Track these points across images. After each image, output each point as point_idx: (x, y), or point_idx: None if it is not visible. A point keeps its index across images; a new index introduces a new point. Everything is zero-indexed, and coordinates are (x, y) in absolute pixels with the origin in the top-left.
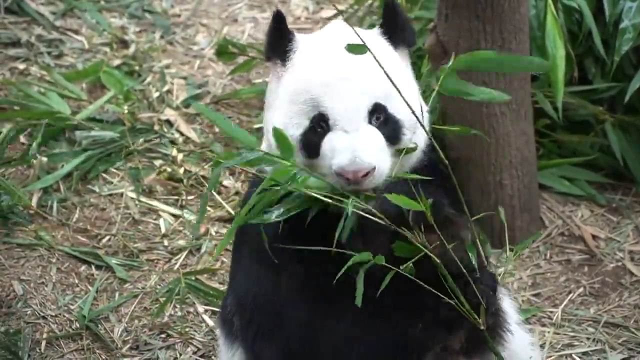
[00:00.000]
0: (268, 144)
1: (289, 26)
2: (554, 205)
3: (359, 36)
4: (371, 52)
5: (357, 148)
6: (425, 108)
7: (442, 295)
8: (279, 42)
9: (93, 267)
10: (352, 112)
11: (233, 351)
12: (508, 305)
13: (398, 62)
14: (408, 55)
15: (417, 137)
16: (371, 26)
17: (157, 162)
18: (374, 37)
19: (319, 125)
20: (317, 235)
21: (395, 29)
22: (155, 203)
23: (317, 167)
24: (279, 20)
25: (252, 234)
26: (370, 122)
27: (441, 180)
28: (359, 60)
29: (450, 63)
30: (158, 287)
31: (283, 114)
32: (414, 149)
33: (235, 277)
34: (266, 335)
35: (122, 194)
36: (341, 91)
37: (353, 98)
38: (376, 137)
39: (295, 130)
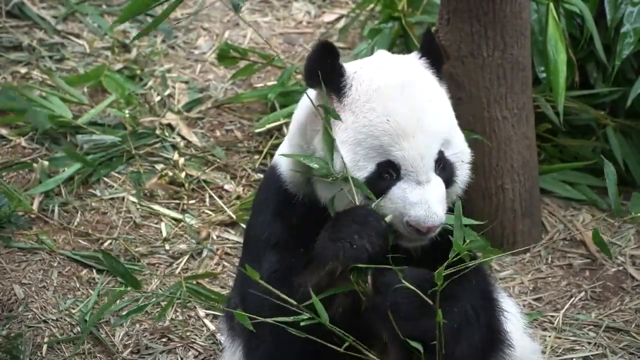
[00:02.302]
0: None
1: (290, 30)
2: (556, 209)
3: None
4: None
5: (432, 202)
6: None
7: None
8: (330, 75)
9: (94, 271)
10: (424, 163)
11: (235, 347)
12: (513, 310)
13: (446, 99)
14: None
15: (465, 173)
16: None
17: (159, 166)
18: (425, 72)
19: (387, 172)
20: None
21: (437, 58)
22: (156, 207)
23: (376, 208)
24: (330, 51)
25: (256, 228)
26: (435, 171)
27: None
28: (425, 106)
29: None
30: (159, 291)
31: (347, 154)
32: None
33: (239, 273)
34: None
35: (123, 198)
36: (412, 142)
37: (425, 148)
38: (441, 187)
39: (359, 173)
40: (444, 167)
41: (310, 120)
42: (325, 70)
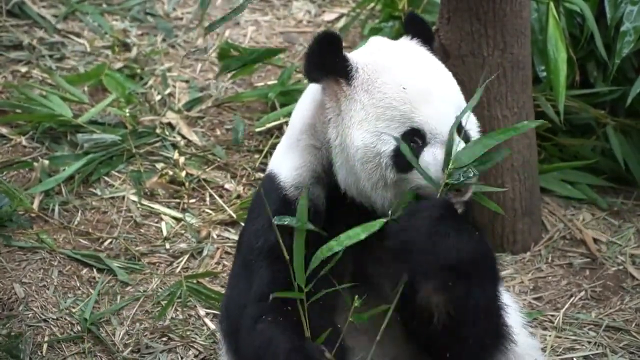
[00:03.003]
0: (344, 161)
1: (290, 29)
2: (556, 208)
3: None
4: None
5: (466, 162)
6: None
7: None
8: (335, 61)
9: (94, 270)
10: (449, 124)
11: (225, 349)
12: (512, 308)
13: (450, 73)
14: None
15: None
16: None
17: (159, 165)
18: (420, 47)
19: (412, 140)
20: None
21: (429, 38)
22: (156, 206)
23: (409, 181)
24: (333, 40)
25: (249, 236)
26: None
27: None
28: (433, 72)
29: None
30: (159, 290)
31: (371, 132)
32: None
33: (228, 281)
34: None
35: (123, 197)
36: (432, 106)
37: (447, 112)
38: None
39: (385, 146)
40: (464, 135)
41: (319, 114)
42: (331, 58)
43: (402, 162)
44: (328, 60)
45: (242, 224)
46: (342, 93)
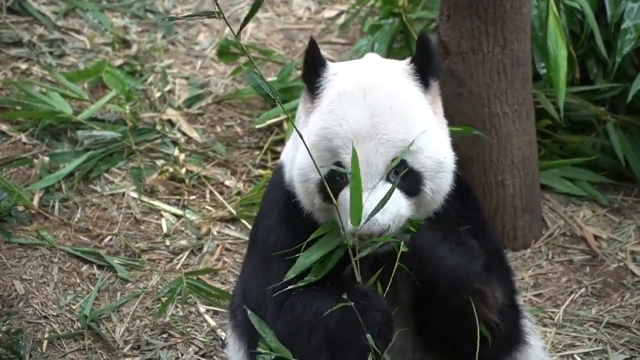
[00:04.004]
0: (294, 178)
1: (291, 26)
2: (556, 205)
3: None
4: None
5: (369, 211)
6: (451, 152)
7: None
8: (310, 72)
9: (95, 266)
10: (371, 170)
11: (239, 345)
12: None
13: (424, 107)
14: (438, 87)
15: (440, 183)
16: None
17: (159, 162)
18: (404, 80)
19: (339, 175)
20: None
21: (428, 65)
22: (157, 203)
23: (332, 212)
24: (310, 50)
25: (263, 230)
26: (388, 179)
27: (469, 221)
28: (385, 114)
29: None
30: (160, 287)
31: (305, 156)
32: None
33: (244, 269)
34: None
35: (123, 194)
36: (362, 147)
37: (374, 155)
38: (392, 196)
39: (314, 174)
40: (404, 176)
41: (298, 121)
42: (307, 69)
43: (326, 193)
44: (307, 70)
45: (243, 221)
46: (306, 108)
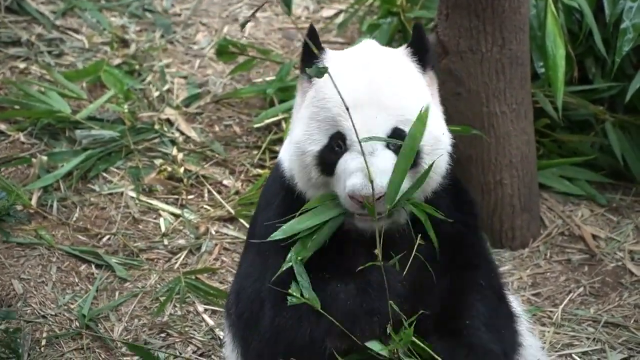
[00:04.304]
0: (289, 155)
1: (289, 25)
2: (554, 204)
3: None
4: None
5: (370, 172)
6: (447, 133)
7: None
8: (308, 57)
9: (93, 266)
10: (370, 134)
11: (232, 346)
12: (518, 308)
13: (422, 85)
14: (435, 76)
15: (437, 161)
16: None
17: (157, 162)
18: (402, 58)
19: (337, 144)
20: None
21: (423, 51)
22: (155, 202)
23: (331, 186)
24: (310, 35)
25: (261, 225)
26: (388, 147)
27: (463, 206)
28: (383, 82)
29: None
30: (158, 286)
31: (303, 129)
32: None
33: (239, 267)
34: (249, 328)
35: (122, 193)
36: (360, 113)
37: (373, 120)
38: (389, 161)
39: (313, 147)
40: (399, 145)
41: (296, 108)
42: (305, 51)
43: (325, 164)
44: (305, 56)
45: (241, 220)
46: (303, 89)
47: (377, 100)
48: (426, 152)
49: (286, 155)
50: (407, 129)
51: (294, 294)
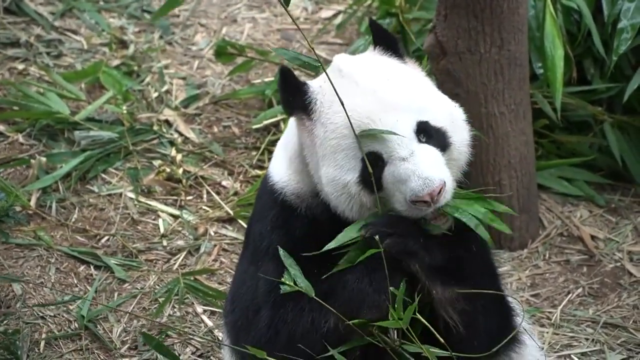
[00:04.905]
0: (325, 192)
1: (288, 26)
2: (553, 205)
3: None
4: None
5: (422, 170)
6: (455, 104)
7: None
8: (294, 97)
9: (92, 267)
10: (401, 139)
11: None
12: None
13: (414, 72)
14: (413, 59)
15: (460, 133)
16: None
17: (156, 162)
18: (381, 58)
19: (374, 163)
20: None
21: (392, 44)
22: (154, 203)
23: (384, 202)
24: (286, 75)
25: (255, 236)
26: (420, 141)
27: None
28: (385, 87)
29: None
30: (157, 287)
31: (332, 166)
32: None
33: (235, 275)
34: (245, 334)
35: (121, 194)
36: (381, 124)
37: (395, 125)
38: (431, 153)
39: (350, 175)
40: (430, 135)
41: (306, 147)
42: (290, 94)
43: (371, 184)
44: (289, 97)
45: (240, 221)
46: (306, 129)
47: (389, 105)
48: (449, 130)
49: (281, 169)
50: (427, 117)
51: (287, 282)
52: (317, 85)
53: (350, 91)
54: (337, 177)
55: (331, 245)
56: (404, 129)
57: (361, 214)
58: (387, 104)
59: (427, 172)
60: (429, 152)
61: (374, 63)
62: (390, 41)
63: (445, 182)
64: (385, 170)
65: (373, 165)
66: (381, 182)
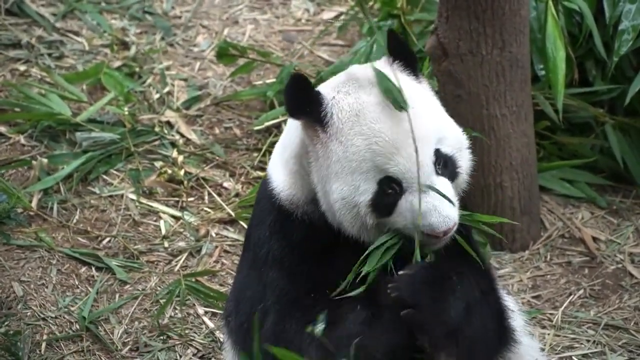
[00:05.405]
0: (327, 205)
1: (289, 27)
2: (555, 207)
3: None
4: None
5: (443, 208)
6: (460, 129)
7: None
8: (308, 106)
9: (93, 268)
10: (423, 170)
11: (232, 354)
12: (514, 308)
13: (428, 95)
14: (425, 79)
15: (466, 158)
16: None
17: (158, 164)
18: (400, 76)
19: (390, 187)
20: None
21: (411, 60)
22: (155, 205)
23: (389, 224)
24: (301, 81)
25: (254, 241)
26: (437, 173)
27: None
28: (410, 115)
29: None
30: (158, 288)
31: (347, 184)
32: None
33: (237, 278)
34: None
35: (122, 196)
36: (405, 154)
37: (422, 154)
38: (447, 187)
39: (363, 197)
40: (444, 164)
41: (303, 149)
42: (303, 101)
43: (381, 208)
44: (302, 105)
45: (241, 222)
46: (318, 139)
47: (414, 135)
48: (457, 157)
49: (277, 174)
50: (442, 147)
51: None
52: (330, 96)
53: (374, 115)
54: (350, 197)
55: (365, 269)
56: (426, 159)
57: (360, 232)
58: (417, 133)
59: (446, 210)
60: (446, 187)
61: (392, 79)
62: (410, 59)
63: (456, 222)
64: (403, 198)
65: (388, 189)
66: (393, 208)
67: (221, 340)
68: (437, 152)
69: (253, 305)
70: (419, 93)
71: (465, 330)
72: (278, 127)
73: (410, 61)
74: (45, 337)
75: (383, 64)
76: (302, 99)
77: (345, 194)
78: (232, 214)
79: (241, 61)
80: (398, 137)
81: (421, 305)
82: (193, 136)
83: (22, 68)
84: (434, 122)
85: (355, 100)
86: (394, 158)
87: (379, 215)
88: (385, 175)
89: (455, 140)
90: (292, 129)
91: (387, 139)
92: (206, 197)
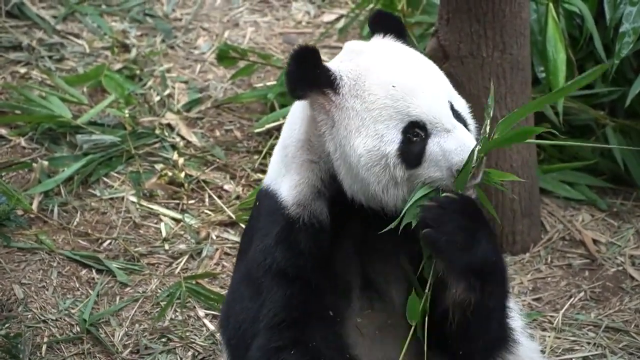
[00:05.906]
0: (347, 170)
1: (290, 30)
2: (555, 209)
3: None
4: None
5: (471, 143)
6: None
7: None
8: (316, 75)
9: (94, 271)
10: (445, 111)
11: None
12: (514, 311)
13: (427, 59)
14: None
15: (471, 125)
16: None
17: (158, 166)
18: (396, 43)
19: (414, 134)
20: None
21: (402, 32)
22: (156, 207)
23: (420, 176)
24: (310, 53)
25: (254, 253)
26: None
27: None
28: (416, 64)
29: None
30: (159, 291)
31: (371, 136)
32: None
33: (229, 289)
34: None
35: (123, 198)
36: (428, 96)
37: (440, 99)
38: (467, 131)
39: (389, 146)
40: (459, 117)
41: (312, 129)
42: (311, 72)
43: (410, 157)
44: (309, 75)
45: (242, 225)
46: (332, 104)
47: (427, 83)
48: (466, 118)
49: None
50: (453, 101)
51: None
52: (335, 65)
53: (386, 66)
54: (377, 147)
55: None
56: (445, 104)
57: (386, 190)
58: (427, 80)
59: (473, 145)
60: (466, 130)
61: (394, 47)
62: (401, 30)
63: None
64: (430, 141)
65: (414, 136)
66: (422, 156)
67: (221, 342)
68: (450, 105)
69: (243, 322)
70: (419, 55)
71: (487, 278)
72: (278, 130)
73: (401, 32)
74: (45, 339)
75: (378, 40)
76: (310, 71)
77: (370, 146)
78: (233, 216)
79: (242, 64)
80: (414, 80)
81: (447, 232)
82: (193, 138)
83: (23, 70)
84: (443, 76)
85: (364, 59)
86: (414, 100)
87: (408, 167)
88: (409, 121)
89: (463, 104)
90: (293, 118)
91: (407, 82)
92: (207, 200)
